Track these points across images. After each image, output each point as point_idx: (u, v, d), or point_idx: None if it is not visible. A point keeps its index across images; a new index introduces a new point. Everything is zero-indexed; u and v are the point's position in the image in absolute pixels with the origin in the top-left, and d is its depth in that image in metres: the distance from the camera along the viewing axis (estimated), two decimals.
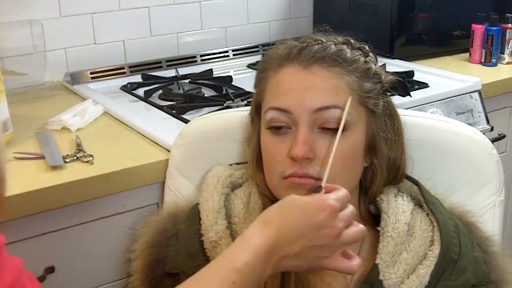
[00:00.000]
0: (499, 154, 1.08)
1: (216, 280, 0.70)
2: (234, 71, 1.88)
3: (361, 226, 0.78)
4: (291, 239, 0.73)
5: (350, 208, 0.78)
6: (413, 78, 1.69)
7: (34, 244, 1.08)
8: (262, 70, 0.93)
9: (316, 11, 2.18)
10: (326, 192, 0.78)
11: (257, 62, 1.84)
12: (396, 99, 0.98)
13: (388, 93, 0.94)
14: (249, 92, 1.54)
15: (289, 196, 0.77)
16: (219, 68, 1.88)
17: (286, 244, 0.73)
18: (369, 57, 0.91)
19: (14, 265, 0.58)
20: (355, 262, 0.77)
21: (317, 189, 0.79)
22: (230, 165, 1.04)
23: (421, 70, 1.77)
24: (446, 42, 2.01)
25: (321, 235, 0.74)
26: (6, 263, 0.57)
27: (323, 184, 0.80)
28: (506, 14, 1.88)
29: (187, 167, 1.10)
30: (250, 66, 1.91)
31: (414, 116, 1.06)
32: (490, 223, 1.03)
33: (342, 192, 0.77)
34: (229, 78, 1.73)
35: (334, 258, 0.76)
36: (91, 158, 1.15)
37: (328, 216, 0.74)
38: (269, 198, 0.92)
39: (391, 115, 0.93)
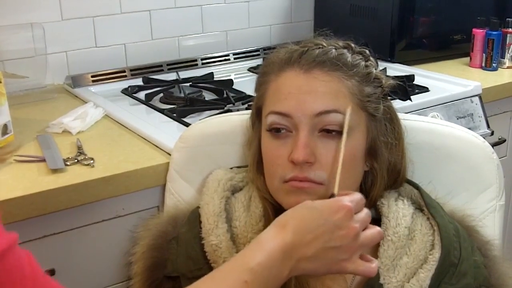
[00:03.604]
0: (499, 158, 1.08)
1: (228, 280, 0.70)
2: (235, 74, 1.88)
3: (378, 228, 0.78)
4: (307, 241, 0.72)
5: (366, 211, 0.77)
6: (414, 82, 1.69)
7: (34, 247, 1.08)
8: (263, 74, 0.93)
9: (317, 15, 2.19)
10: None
11: (258, 65, 1.84)
12: (397, 103, 0.99)
13: (389, 97, 0.95)
14: (249, 96, 1.54)
15: (304, 202, 0.76)
16: (220, 72, 1.89)
17: (302, 246, 0.72)
18: (369, 61, 0.92)
19: (8, 237, 0.59)
20: (374, 264, 0.76)
21: (330, 197, 0.79)
22: (231, 168, 1.04)
23: (422, 74, 1.77)
24: (446, 46, 2.02)
25: (338, 236, 0.73)
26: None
27: (335, 191, 0.80)
28: (507, 19, 1.88)
29: (188, 171, 1.10)
30: (251, 69, 1.91)
31: (414, 120, 1.06)
32: (490, 227, 1.03)
33: (356, 195, 0.77)
34: (230, 81, 1.73)
35: (353, 261, 0.75)
36: (92, 161, 1.15)
37: (344, 216, 0.73)
38: (270, 202, 0.92)
39: (392, 119, 0.94)
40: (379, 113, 0.90)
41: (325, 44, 0.90)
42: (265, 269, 0.70)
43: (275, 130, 0.87)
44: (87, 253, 1.15)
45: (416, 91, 1.63)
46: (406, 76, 1.69)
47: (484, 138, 1.07)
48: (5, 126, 1.22)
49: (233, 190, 1.00)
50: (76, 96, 1.64)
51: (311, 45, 0.90)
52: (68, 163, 1.15)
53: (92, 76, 1.73)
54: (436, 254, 0.88)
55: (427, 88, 1.66)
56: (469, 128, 1.16)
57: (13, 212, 1.01)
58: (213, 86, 1.70)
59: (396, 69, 1.84)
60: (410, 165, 0.98)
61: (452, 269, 0.87)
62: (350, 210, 0.74)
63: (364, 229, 0.76)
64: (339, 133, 0.85)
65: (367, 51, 0.93)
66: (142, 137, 1.30)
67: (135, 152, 1.22)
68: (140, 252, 0.97)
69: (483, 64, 1.90)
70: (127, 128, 1.37)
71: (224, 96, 1.59)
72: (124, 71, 1.79)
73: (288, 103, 0.85)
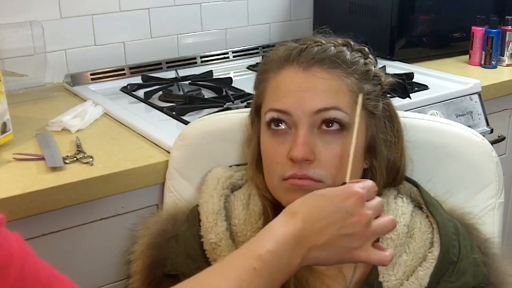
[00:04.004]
0: (498, 156, 1.08)
1: (237, 266, 0.68)
2: (234, 72, 1.88)
3: (391, 216, 0.77)
4: (318, 228, 0.71)
5: (379, 199, 0.76)
6: (413, 80, 1.69)
7: (33, 245, 1.07)
8: (262, 72, 0.93)
9: (316, 13, 2.19)
10: None
11: (257, 63, 1.84)
12: (396, 101, 0.98)
13: (388, 95, 0.94)
14: (249, 94, 1.54)
15: (315, 190, 0.75)
16: (219, 70, 1.89)
17: (313, 234, 0.71)
18: (369, 59, 0.91)
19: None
20: (388, 252, 0.75)
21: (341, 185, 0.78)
22: (230, 166, 1.04)
23: (421, 72, 1.77)
24: (446, 44, 2.01)
25: (350, 223, 0.72)
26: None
27: (347, 179, 0.79)
28: (506, 17, 1.88)
29: (187, 169, 1.10)
30: (250, 67, 1.91)
31: (414, 118, 1.06)
32: (489, 225, 1.03)
33: (368, 182, 0.76)
34: (229, 79, 1.73)
35: (366, 249, 0.73)
36: (91, 160, 1.15)
37: (355, 203, 0.72)
38: (269, 200, 0.92)
39: (391, 117, 0.93)
40: (379, 110, 0.90)
41: (324, 42, 0.90)
42: (275, 257, 0.69)
43: (274, 124, 0.87)
44: (86, 251, 1.15)
45: (416, 89, 1.63)
46: (405, 74, 1.69)
47: (483, 136, 1.07)
48: (4, 124, 1.22)
49: (232, 188, 1.00)
50: (75, 94, 1.64)
51: (310, 43, 0.90)
52: (67, 162, 1.15)
53: (91, 74, 1.73)
54: (435, 252, 0.88)
55: (427, 86, 1.66)
56: (469, 126, 1.16)
57: (12, 211, 1.01)
58: (212, 84, 1.70)
59: (396, 67, 1.84)
60: (410, 163, 0.98)
61: (451, 267, 0.87)
62: (362, 196, 0.73)
63: (376, 217, 0.75)
64: (339, 130, 0.84)
65: (366, 49, 0.93)
66: (141, 135, 1.30)
67: (134, 150, 1.22)
68: (140, 251, 0.97)
69: (483, 62, 1.90)
70: (126, 126, 1.36)
71: (223, 94, 1.59)
72: (123, 69, 1.79)
73: (287, 101, 0.85)
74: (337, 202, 0.72)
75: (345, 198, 0.72)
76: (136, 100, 1.59)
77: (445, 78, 1.73)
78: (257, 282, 0.68)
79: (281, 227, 0.71)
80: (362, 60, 0.90)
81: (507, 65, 1.90)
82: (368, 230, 0.73)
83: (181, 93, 1.59)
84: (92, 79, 1.72)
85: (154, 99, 1.58)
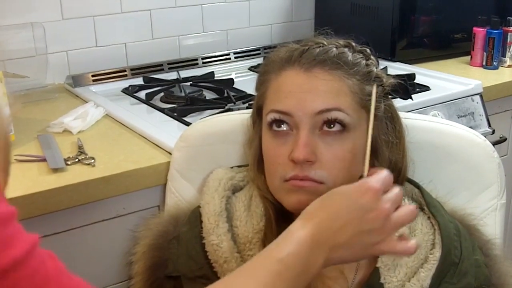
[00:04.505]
0: (500, 157, 1.08)
1: (259, 272, 0.68)
2: (235, 73, 1.88)
3: (412, 206, 0.76)
4: (337, 227, 0.71)
5: (396, 190, 0.75)
6: (415, 81, 1.69)
7: None
8: (263, 73, 0.93)
9: (317, 14, 2.19)
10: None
11: (259, 65, 1.84)
12: (398, 102, 0.98)
13: (390, 96, 0.94)
14: (250, 95, 1.54)
15: (331, 190, 0.75)
16: (220, 71, 1.89)
17: (333, 233, 0.70)
18: (370, 60, 0.91)
19: (28, 240, 0.55)
20: (411, 242, 0.74)
21: (359, 179, 0.78)
22: (231, 167, 1.04)
23: (423, 73, 1.77)
24: (447, 45, 2.01)
25: (368, 219, 0.71)
26: (18, 236, 0.54)
27: (365, 173, 0.79)
28: (508, 17, 1.88)
29: (189, 170, 1.10)
30: (252, 68, 1.91)
31: (415, 119, 1.06)
32: (491, 226, 1.03)
33: (383, 174, 0.75)
34: (231, 80, 1.73)
35: (389, 242, 0.73)
36: (92, 161, 1.15)
37: (371, 199, 0.72)
38: (271, 201, 0.92)
39: (392, 118, 0.93)
40: (380, 112, 0.90)
41: (325, 43, 0.90)
42: (296, 259, 0.68)
43: (276, 125, 0.87)
44: (88, 252, 1.15)
45: (417, 90, 1.63)
46: (407, 75, 1.69)
47: (485, 136, 1.07)
48: None
49: (233, 189, 1.00)
50: (77, 96, 1.64)
51: (311, 44, 0.89)
52: (68, 163, 1.15)
53: (93, 76, 1.73)
54: (437, 253, 0.87)
55: (428, 87, 1.66)
56: (470, 127, 1.16)
57: None
58: (213, 85, 1.70)
59: (397, 68, 1.84)
60: (411, 164, 0.98)
61: (452, 268, 0.87)
62: (377, 191, 0.72)
63: (397, 208, 0.74)
64: (340, 131, 0.84)
65: (368, 50, 0.93)
66: (143, 137, 1.30)
67: (135, 152, 1.22)
68: (141, 252, 0.97)
69: (484, 63, 1.90)
70: (127, 127, 1.37)
71: (224, 95, 1.59)
72: (125, 71, 1.79)
73: (289, 102, 0.85)
74: (353, 200, 0.72)
75: (361, 195, 0.72)
76: (137, 101, 1.59)
77: (447, 79, 1.73)
78: (281, 285, 0.67)
79: (299, 230, 0.71)
80: (363, 61, 0.90)
81: (509, 66, 1.90)
82: (387, 223, 0.72)
83: (183, 94, 1.59)
84: (93, 80, 1.72)
85: (156, 100, 1.59)
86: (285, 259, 0.68)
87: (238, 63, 1.97)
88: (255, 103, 0.95)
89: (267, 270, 0.68)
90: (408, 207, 0.75)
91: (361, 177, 0.78)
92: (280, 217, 0.92)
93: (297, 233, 0.70)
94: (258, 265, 0.69)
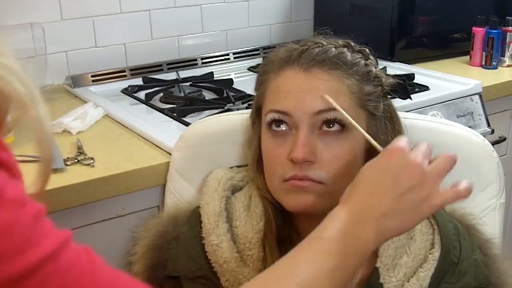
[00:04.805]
0: (499, 156, 1.08)
1: (308, 253, 0.67)
2: (235, 74, 1.88)
3: (449, 154, 0.73)
4: (377, 198, 0.69)
5: (423, 143, 0.73)
6: (414, 81, 1.69)
7: None
8: (262, 73, 0.93)
9: (316, 14, 2.19)
10: None
11: (258, 65, 1.83)
12: (397, 102, 0.98)
13: (389, 96, 0.94)
14: (249, 95, 1.54)
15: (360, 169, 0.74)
16: (220, 71, 1.89)
17: (374, 205, 0.69)
18: (369, 60, 0.91)
19: (57, 236, 0.54)
20: (463, 184, 0.72)
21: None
22: (231, 168, 1.04)
23: (422, 73, 1.77)
24: (446, 45, 2.02)
25: (404, 178, 0.69)
26: (48, 233, 0.53)
27: (379, 148, 0.79)
28: (507, 17, 1.88)
29: (188, 170, 1.10)
30: (251, 69, 1.91)
31: (414, 118, 1.06)
32: (490, 226, 1.03)
33: (400, 138, 0.74)
34: (230, 81, 1.73)
35: (437, 194, 0.70)
36: (92, 161, 1.15)
37: (399, 157, 0.70)
38: (270, 201, 0.92)
39: (392, 117, 0.93)
40: (379, 111, 0.90)
41: (324, 43, 0.90)
42: (344, 237, 0.67)
43: (275, 125, 0.87)
44: None
45: (416, 89, 1.63)
46: (406, 74, 1.69)
47: (484, 136, 1.07)
48: None
49: (233, 189, 1.00)
50: (76, 96, 1.64)
51: (310, 44, 0.89)
52: (68, 163, 1.15)
53: (92, 76, 1.73)
54: (436, 253, 0.87)
55: (427, 86, 1.66)
56: (469, 127, 1.16)
57: None
58: (213, 86, 1.70)
59: (396, 68, 1.84)
60: None
61: (452, 268, 0.87)
62: (402, 148, 0.71)
63: (431, 161, 0.72)
64: (339, 130, 0.84)
65: (367, 50, 0.93)
66: (142, 137, 1.30)
67: (135, 152, 1.22)
68: (141, 252, 0.97)
69: (483, 63, 1.90)
70: (127, 128, 1.37)
71: (224, 96, 1.59)
72: (124, 71, 1.79)
73: (288, 102, 0.85)
74: (382, 166, 0.71)
75: (388, 158, 0.71)
76: (137, 101, 1.59)
77: (446, 79, 1.73)
78: (331, 264, 0.66)
79: (340, 212, 0.70)
80: (362, 61, 0.90)
81: (508, 66, 1.90)
82: (426, 177, 0.70)
83: (182, 94, 1.59)
84: (93, 80, 1.72)
85: (155, 101, 1.59)
86: (333, 236, 0.67)
87: (238, 63, 1.97)
88: (255, 103, 0.95)
89: (315, 250, 0.67)
90: (445, 154, 0.73)
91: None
92: (279, 217, 0.92)
93: (338, 214, 0.69)
94: (305, 248, 0.68)
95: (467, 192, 0.72)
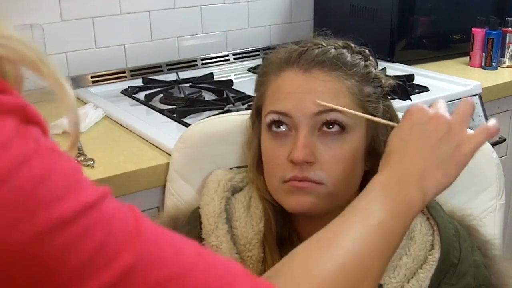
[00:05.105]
0: (499, 157, 1.08)
1: (354, 220, 0.66)
2: (234, 75, 1.88)
3: (465, 99, 0.76)
4: (410, 159, 0.71)
5: (438, 100, 0.77)
6: (414, 82, 1.69)
7: None
8: (262, 74, 0.93)
9: (316, 15, 2.19)
10: None
11: (258, 66, 1.84)
12: (397, 103, 0.98)
13: (389, 97, 0.94)
14: (249, 96, 1.54)
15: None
16: (219, 72, 1.89)
17: (410, 166, 0.70)
18: (369, 61, 0.91)
19: (99, 188, 0.51)
20: (491, 121, 0.75)
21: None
22: (231, 168, 1.04)
23: (422, 73, 1.78)
24: (446, 46, 2.02)
25: (431, 131, 0.72)
26: (88, 183, 0.50)
27: (392, 124, 0.81)
28: (506, 18, 1.88)
29: (188, 171, 1.10)
30: (251, 70, 1.92)
31: None
32: (490, 227, 1.03)
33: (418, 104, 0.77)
34: (230, 82, 1.73)
35: (468, 138, 0.73)
36: (92, 162, 1.15)
37: (420, 114, 0.73)
38: (270, 202, 0.92)
39: (392, 119, 0.93)
40: (379, 112, 0.90)
41: (324, 44, 0.90)
42: (388, 194, 0.67)
43: (275, 126, 0.87)
44: None
45: (416, 90, 1.63)
46: (406, 75, 1.69)
47: None
48: None
49: (233, 190, 1.00)
50: (76, 97, 1.63)
51: (310, 45, 0.90)
52: None
53: (92, 77, 1.73)
54: (436, 254, 0.87)
55: (427, 87, 1.66)
56: (469, 128, 1.15)
57: None
58: (213, 87, 1.70)
59: (396, 69, 1.84)
60: None
61: (452, 269, 0.87)
62: (421, 107, 0.74)
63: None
64: (339, 131, 0.84)
65: (367, 51, 0.93)
66: (142, 138, 1.30)
67: (135, 153, 1.22)
68: None
69: (483, 64, 1.90)
70: (127, 128, 1.37)
71: (224, 97, 1.59)
72: (124, 72, 1.79)
73: (288, 103, 0.85)
74: (405, 127, 0.73)
75: (409, 118, 0.74)
76: (137, 102, 1.59)
77: (446, 80, 1.73)
78: (391, 224, 0.66)
79: (376, 179, 0.71)
80: (362, 62, 0.90)
81: (508, 67, 1.90)
82: (451, 125, 0.73)
83: (182, 95, 1.59)
84: (92, 81, 1.72)
85: (155, 102, 1.59)
86: (377, 202, 0.67)
87: (237, 64, 1.98)
88: (254, 104, 0.95)
89: (356, 209, 0.67)
90: (462, 100, 0.76)
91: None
92: (279, 218, 0.92)
93: (377, 179, 0.70)
94: (351, 216, 0.67)
95: (496, 129, 0.75)
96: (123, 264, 0.47)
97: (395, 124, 0.79)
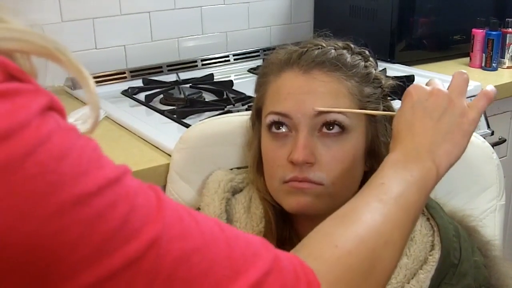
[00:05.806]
0: (499, 158, 1.08)
1: (365, 190, 0.69)
2: (234, 75, 1.88)
3: (456, 71, 0.80)
4: (418, 136, 0.73)
5: (433, 78, 0.80)
6: (414, 83, 1.69)
7: None
8: (262, 75, 0.93)
9: (316, 16, 2.19)
10: None
11: (258, 66, 1.84)
12: (397, 104, 0.98)
13: (389, 98, 0.95)
14: (249, 97, 1.54)
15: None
16: (220, 73, 1.89)
17: (420, 142, 0.72)
18: (369, 62, 0.92)
19: (119, 166, 0.53)
20: (487, 86, 0.79)
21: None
22: (231, 169, 1.04)
23: (422, 74, 1.77)
24: (446, 46, 2.02)
25: (433, 105, 0.74)
26: (109, 160, 0.52)
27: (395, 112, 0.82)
28: (506, 19, 1.88)
29: (188, 172, 1.10)
30: (251, 70, 1.92)
31: None
32: (490, 228, 1.03)
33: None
34: (230, 82, 1.73)
35: (470, 108, 0.76)
36: None
37: (418, 92, 0.76)
38: (270, 203, 0.92)
39: (391, 119, 0.93)
40: None
41: (324, 45, 0.90)
42: (397, 167, 0.70)
43: (275, 127, 0.87)
44: None
45: None
46: (406, 76, 1.69)
47: (484, 138, 1.07)
48: None
49: (233, 191, 1.00)
50: (76, 98, 1.64)
51: (310, 46, 0.90)
52: None
53: (92, 78, 1.73)
54: (436, 254, 0.87)
55: None
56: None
57: None
58: (213, 87, 1.70)
59: (396, 70, 1.84)
60: None
61: (452, 270, 0.87)
62: (417, 85, 0.77)
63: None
64: (339, 132, 0.85)
65: (367, 52, 0.93)
66: (142, 138, 1.30)
67: (135, 153, 1.22)
68: None
69: (483, 64, 1.90)
70: (127, 129, 1.37)
71: (224, 97, 1.59)
72: (124, 73, 1.79)
73: (288, 104, 0.85)
74: (408, 107, 0.75)
75: (409, 99, 0.76)
76: (137, 103, 1.59)
77: (446, 81, 1.70)
78: (410, 197, 0.68)
79: (388, 157, 0.72)
80: (362, 63, 0.90)
81: (508, 67, 1.90)
82: (451, 97, 0.75)
83: (182, 96, 1.59)
84: None
85: (155, 102, 1.59)
86: (387, 173, 0.69)
87: (237, 65, 1.98)
88: (254, 105, 0.96)
89: (369, 186, 0.69)
90: (455, 73, 0.79)
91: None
92: (279, 219, 0.92)
93: (389, 158, 0.72)
94: (367, 193, 0.69)
95: (494, 92, 0.79)
96: (148, 237, 0.47)
97: (394, 114, 0.80)
